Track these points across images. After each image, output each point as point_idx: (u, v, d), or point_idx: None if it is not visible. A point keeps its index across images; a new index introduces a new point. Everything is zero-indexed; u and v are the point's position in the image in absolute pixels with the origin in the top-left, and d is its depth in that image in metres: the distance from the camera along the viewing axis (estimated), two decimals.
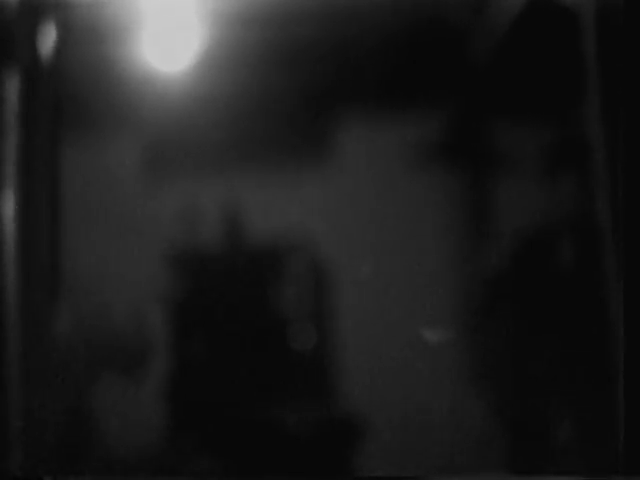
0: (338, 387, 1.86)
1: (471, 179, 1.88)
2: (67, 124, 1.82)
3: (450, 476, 1.75)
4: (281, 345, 1.86)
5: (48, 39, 1.78)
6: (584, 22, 1.76)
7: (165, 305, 1.86)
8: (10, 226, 1.70)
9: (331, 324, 1.87)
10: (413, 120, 1.89)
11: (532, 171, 1.87)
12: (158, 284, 1.86)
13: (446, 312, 1.83)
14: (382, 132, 1.90)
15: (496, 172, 1.88)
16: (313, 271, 1.89)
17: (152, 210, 1.87)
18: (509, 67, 1.86)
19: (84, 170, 1.84)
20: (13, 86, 1.73)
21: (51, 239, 1.75)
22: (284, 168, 1.90)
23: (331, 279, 1.88)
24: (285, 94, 1.86)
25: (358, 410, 1.83)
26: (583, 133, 1.79)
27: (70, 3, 1.82)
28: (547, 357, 1.80)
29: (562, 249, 1.84)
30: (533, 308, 1.80)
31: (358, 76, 1.88)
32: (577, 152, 1.81)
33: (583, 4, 1.76)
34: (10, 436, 1.65)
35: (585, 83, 1.77)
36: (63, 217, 1.80)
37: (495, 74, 1.88)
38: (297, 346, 1.87)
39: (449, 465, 1.78)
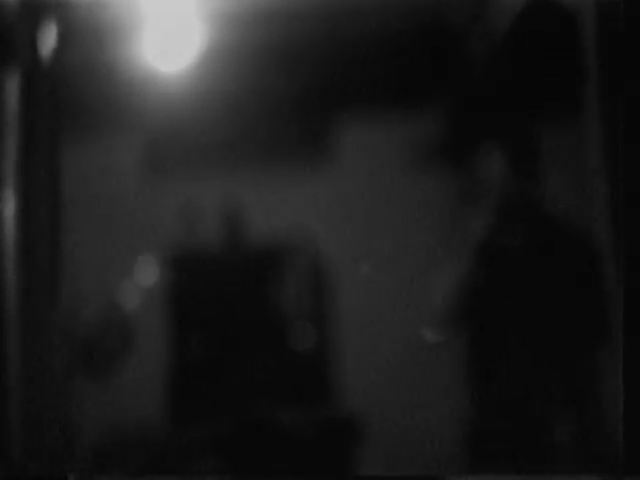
0: (338, 387, 1.85)
1: (471, 180, 1.88)
2: (67, 124, 1.82)
3: (450, 476, 1.75)
4: (281, 345, 1.85)
5: (48, 39, 1.78)
6: (584, 22, 1.76)
7: (165, 304, 1.86)
8: (10, 226, 1.70)
9: (331, 324, 1.87)
10: (413, 121, 1.89)
11: (532, 172, 1.87)
12: (158, 283, 1.86)
13: (446, 312, 1.83)
14: (382, 133, 1.90)
15: (496, 173, 1.88)
16: (313, 271, 1.89)
17: (152, 209, 1.87)
18: (509, 68, 1.86)
19: (84, 170, 1.84)
20: (13, 86, 1.73)
21: (51, 238, 1.75)
22: (284, 168, 1.90)
23: (331, 279, 1.88)
24: (285, 94, 1.86)
25: (358, 410, 1.83)
26: (583, 132, 1.79)
27: (70, 3, 1.82)
28: (547, 358, 1.80)
29: (562, 248, 1.84)
30: (533, 308, 1.80)
31: (358, 77, 1.88)
32: (577, 152, 1.81)
33: (583, 4, 1.76)
34: (10, 436, 1.65)
35: (585, 83, 1.77)
36: (63, 216, 1.80)
37: (495, 75, 1.88)
38: (297, 346, 1.87)
39: (449, 465, 1.78)
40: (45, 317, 1.71)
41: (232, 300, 1.86)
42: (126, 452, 1.80)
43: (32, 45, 1.76)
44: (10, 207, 1.70)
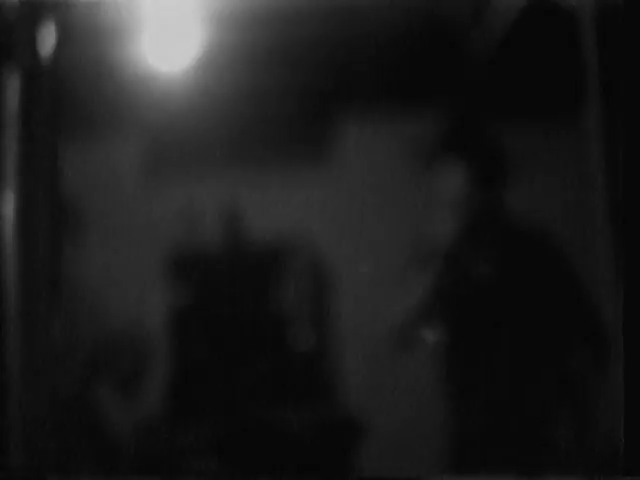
0: (338, 387, 1.86)
1: (470, 179, 1.88)
2: (67, 124, 1.82)
3: (450, 476, 1.75)
4: (281, 345, 1.86)
5: (48, 39, 1.78)
6: (584, 23, 1.76)
7: (165, 306, 1.86)
8: (10, 226, 1.70)
9: (331, 324, 1.87)
10: (412, 121, 1.89)
11: (532, 171, 1.87)
12: (158, 284, 1.86)
13: (446, 312, 1.83)
14: (382, 133, 1.90)
15: (495, 173, 1.88)
16: (313, 271, 1.89)
17: (152, 210, 1.87)
18: (509, 68, 1.86)
19: (84, 170, 1.84)
20: (13, 86, 1.73)
21: (51, 239, 1.75)
22: (284, 168, 1.90)
23: (331, 279, 1.88)
24: (285, 95, 1.86)
25: (358, 410, 1.83)
26: (582, 132, 1.79)
27: (70, 3, 1.82)
28: (547, 358, 1.80)
29: (562, 248, 1.85)
30: (532, 308, 1.80)
31: (358, 77, 1.88)
32: (576, 152, 1.81)
33: (583, 5, 1.76)
34: (10, 436, 1.65)
35: (585, 83, 1.77)
36: (63, 217, 1.80)
37: (495, 75, 1.88)
38: (297, 346, 1.87)
39: (449, 465, 1.78)
40: (45, 318, 1.71)
41: (232, 300, 1.86)
42: (126, 452, 1.80)
43: (32, 45, 1.76)
44: (10, 207, 1.70)
